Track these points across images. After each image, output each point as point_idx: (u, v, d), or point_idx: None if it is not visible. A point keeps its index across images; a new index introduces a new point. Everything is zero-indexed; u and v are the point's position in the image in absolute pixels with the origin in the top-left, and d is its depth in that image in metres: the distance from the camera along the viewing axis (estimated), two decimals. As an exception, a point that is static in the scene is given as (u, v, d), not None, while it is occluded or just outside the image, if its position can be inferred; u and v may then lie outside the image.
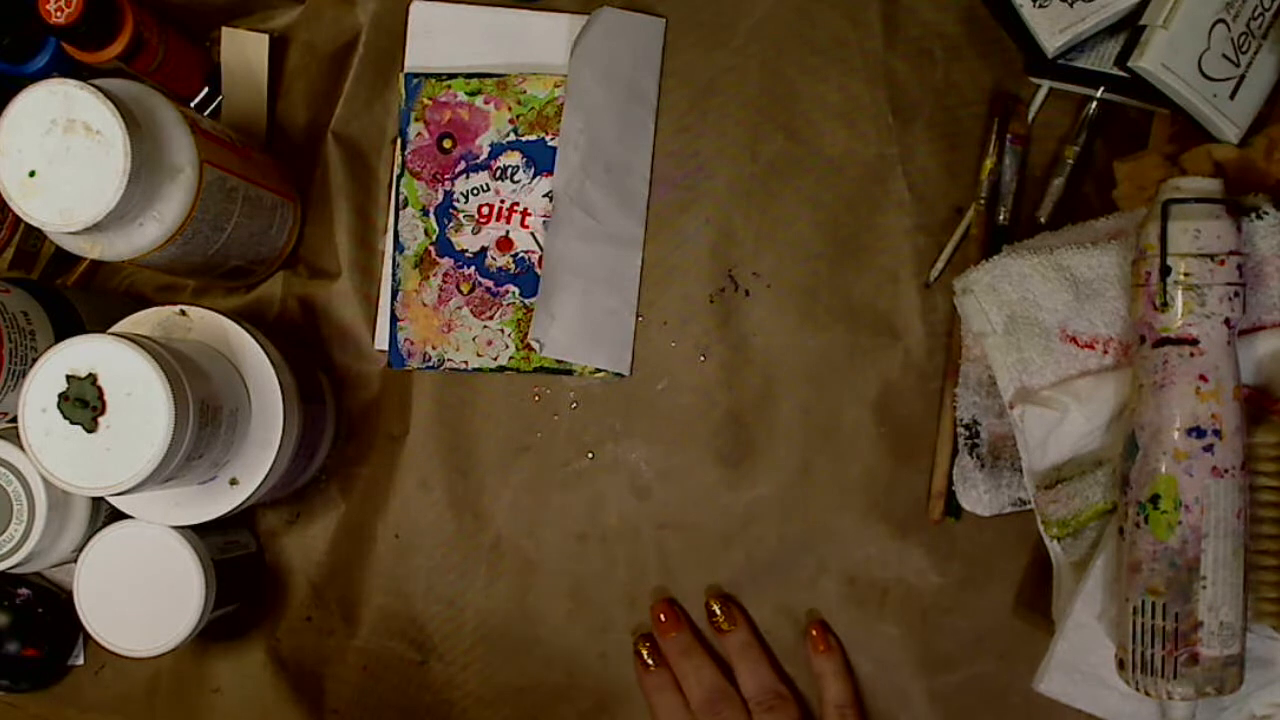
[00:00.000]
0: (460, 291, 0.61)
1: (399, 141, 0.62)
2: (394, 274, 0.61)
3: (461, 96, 0.61)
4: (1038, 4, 0.54)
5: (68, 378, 0.46)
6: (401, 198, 0.62)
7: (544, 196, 0.60)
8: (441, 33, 0.62)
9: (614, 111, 0.60)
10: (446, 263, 0.61)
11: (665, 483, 0.60)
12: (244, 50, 0.62)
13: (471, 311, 0.61)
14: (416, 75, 0.61)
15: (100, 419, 0.46)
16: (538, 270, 0.60)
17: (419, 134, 0.61)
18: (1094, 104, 0.58)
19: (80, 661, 0.62)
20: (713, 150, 0.60)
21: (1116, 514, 0.50)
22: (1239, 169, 0.52)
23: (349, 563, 0.61)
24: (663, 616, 0.59)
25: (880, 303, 0.59)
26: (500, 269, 0.61)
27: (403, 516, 0.61)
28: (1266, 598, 0.48)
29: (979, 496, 0.56)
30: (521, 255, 0.61)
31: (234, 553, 0.58)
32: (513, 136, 0.61)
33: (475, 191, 0.61)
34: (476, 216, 0.61)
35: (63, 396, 0.46)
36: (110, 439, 0.46)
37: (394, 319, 0.61)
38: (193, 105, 0.62)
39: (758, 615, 0.59)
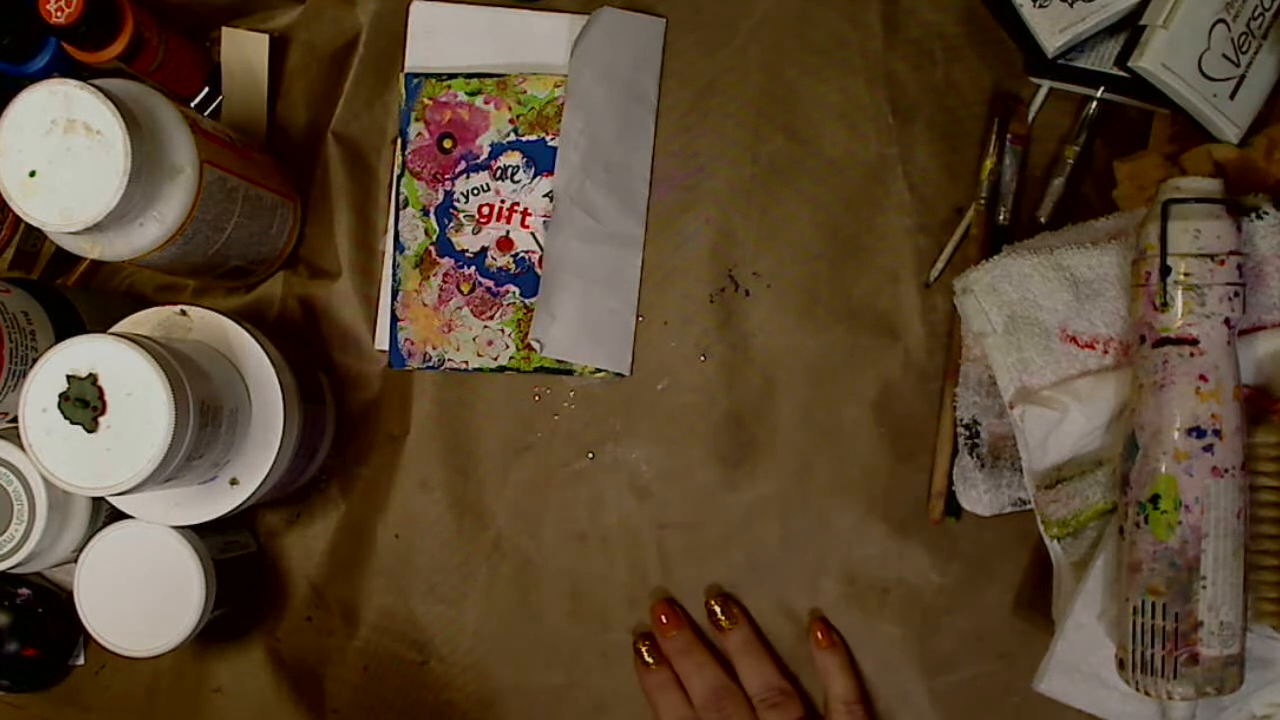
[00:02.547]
0: (460, 291, 0.61)
1: (399, 141, 0.62)
2: (394, 274, 0.61)
3: (461, 96, 0.61)
4: (1038, 4, 0.54)
5: (68, 378, 0.46)
6: (402, 198, 0.62)
7: (544, 196, 0.61)
8: (441, 33, 0.62)
9: (614, 111, 0.60)
10: (447, 263, 0.61)
11: (665, 483, 0.60)
12: (244, 50, 0.62)
13: (472, 311, 0.61)
14: (416, 75, 0.61)
15: (100, 419, 0.46)
16: (538, 270, 0.60)
17: (419, 134, 0.61)
18: (1094, 104, 0.58)
19: (80, 661, 0.62)
20: (713, 150, 0.60)
21: (1116, 514, 0.50)
22: (1239, 169, 0.52)
23: (349, 563, 0.61)
24: (664, 617, 0.59)
25: (880, 303, 0.59)
26: (500, 269, 0.61)
27: (403, 516, 0.61)
28: (1266, 598, 0.48)
29: (979, 496, 0.56)
30: (522, 255, 0.61)
31: (234, 553, 0.58)
32: (513, 136, 0.61)
33: (475, 191, 0.61)
34: (477, 216, 0.61)
35: (63, 396, 0.46)
36: (110, 439, 0.46)
37: (394, 319, 0.61)
38: (193, 105, 0.62)
39: (758, 615, 0.59)
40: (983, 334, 0.53)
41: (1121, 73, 0.54)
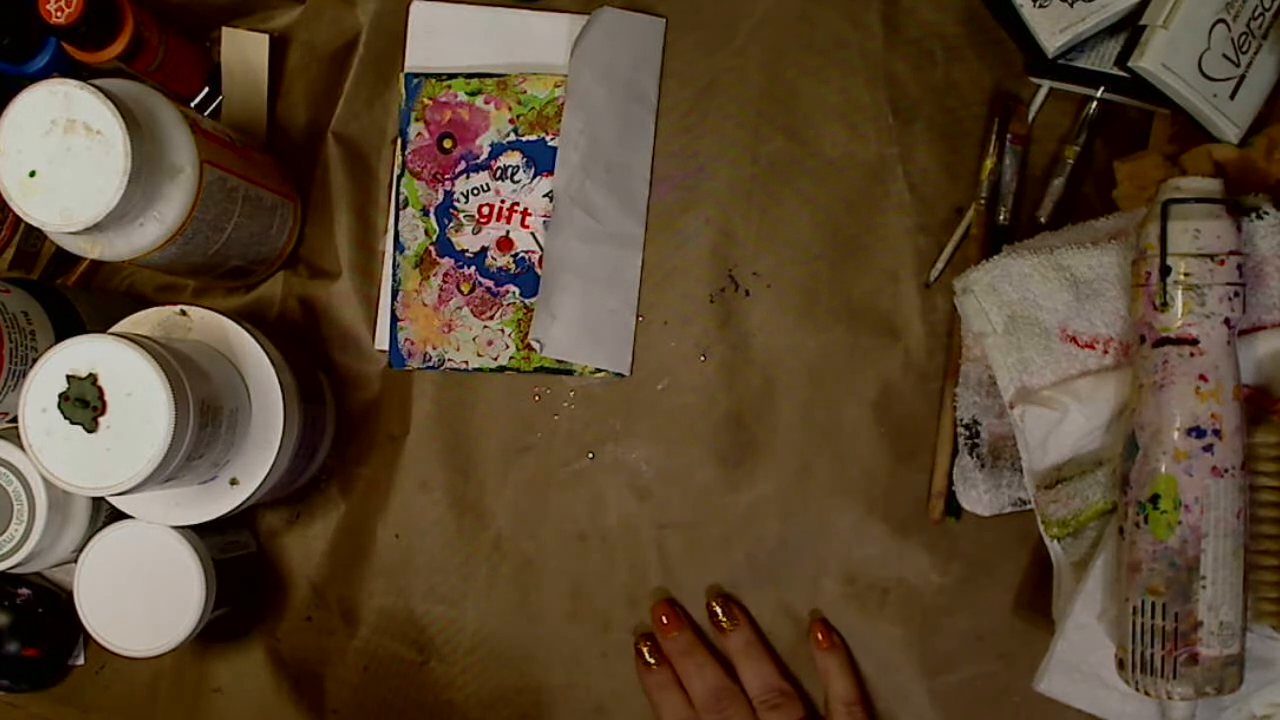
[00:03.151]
0: (460, 291, 0.61)
1: (399, 141, 0.62)
2: (394, 274, 0.61)
3: (462, 96, 0.61)
4: (1038, 4, 0.54)
5: (68, 378, 0.46)
6: (402, 198, 0.62)
7: (544, 196, 0.61)
8: (442, 33, 0.62)
9: (614, 111, 0.60)
10: (447, 263, 0.61)
11: (665, 483, 0.60)
12: (244, 50, 0.62)
13: (472, 311, 0.61)
14: (416, 75, 0.61)
15: (100, 419, 0.46)
16: (538, 270, 0.60)
17: (419, 134, 0.61)
18: (1094, 104, 0.58)
19: (80, 661, 0.62)
20: (713, 150, 0.60)
21: (1116, 514, 0.50)
22: (1239, 169, 0.52)
23: (349, 563, 0.61)
24: (664, 618, 0.59)
25: (880, 303, 0.59)
26: (500, 269, 0.61)
27: (403, 516, 0.61)
28: (1266, 598, 0.48)
29: (979, 496, 0.56)
30: (522, 255, 0.61)
31: (234, 553, 0.58)
32: (513, 136, 0.61)
33: (475, 191, 0.61)
34: (477, 216, 0.61)
35: (63, 396, 0.46)
36: (110, 439, 0.46)
37: (394, 319, 0.61)
38: (193, 105, 0.62)
39: (758, 615, 0.59)
40: (983, 334, 0.53)
41: (1121, 73, 0.54)
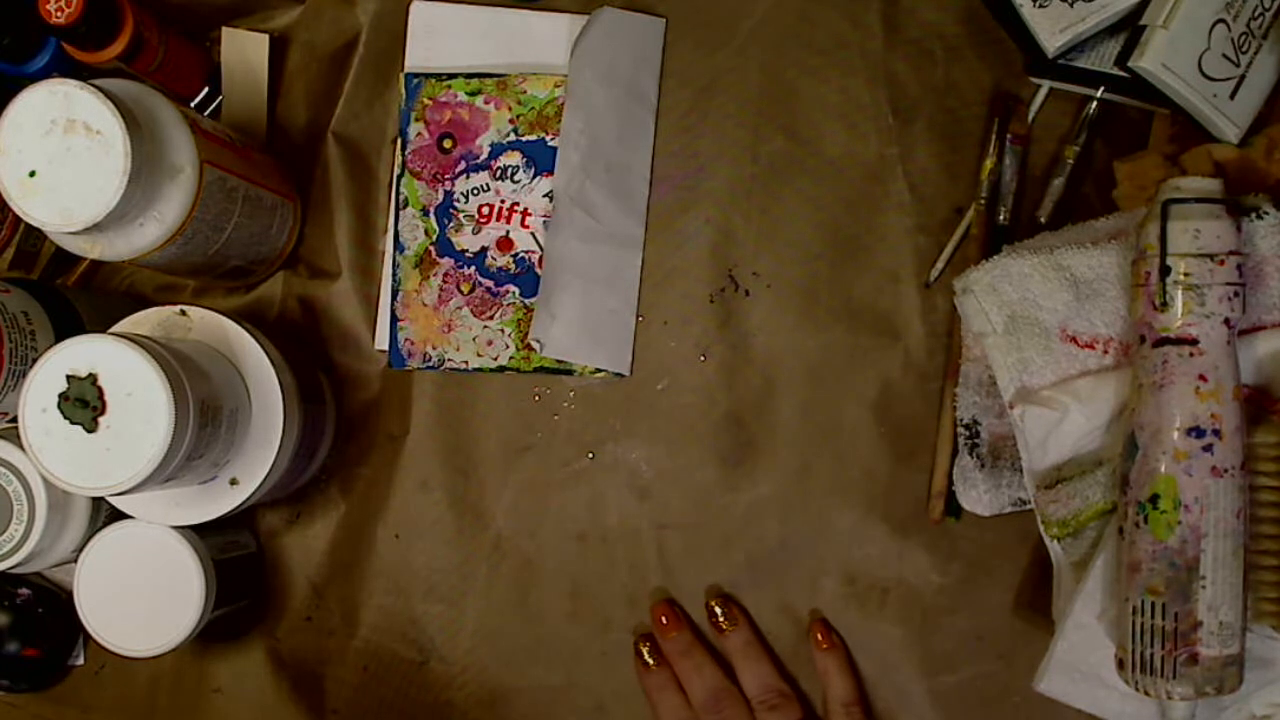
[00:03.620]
0: (460, 291, 0.61)
1: (399, 141, 0.62)
2: (394, 274, 0.61)
3: (461, 96, 0.61)
4: (1038, 4, 0.54)
5: (68, 378, 0.46)
6: (402, 198, 0.62)
7: (544, 196, 0.61)
8: (441, 33, 0.62)
9: (614, 111, 0.60)
10: (447, 263, 0.61)
11: (665, 483, 0.60)
12: (244, 50, 0.62)
13: (472, 311, 0.61)
14: (416, 75, 0.61)
15: (100, 419, 0.46)
16: (538, 270, 0.60)
17: (419, 134, 0.61)
18: (1094, 104, 0.58)
19: (80, 661, 0.62)
20: (713, 150, 0.61)
21: (1116, 514, 0.50)
22: (1239, 169, 0.52)
23: (349, 563, 0.61)
24: (664, 618, 0.59)
25: (880, 303, 0.59)
26: (500, 269, 0.61)
27: (403, 516, 0.61)
28: (1266, 598, 0.48)
29: (979, 496, 0.56)
30: (522, 255, 0.61)
31: (234, 553, 0.58)
32: (513, 136, 0.61)
33: (475, 191, 0.61)
34: (477, 216, 0.61)
35: (63, 396, 0.46)
36: (110, 439, 0.46)
37: (394, 319, 0.61)
38: (193, 105, 0.62)
39: (758, 615, 0.59)
40: (983, 334, 0.53)
41: (1121, 73, 0.54)
